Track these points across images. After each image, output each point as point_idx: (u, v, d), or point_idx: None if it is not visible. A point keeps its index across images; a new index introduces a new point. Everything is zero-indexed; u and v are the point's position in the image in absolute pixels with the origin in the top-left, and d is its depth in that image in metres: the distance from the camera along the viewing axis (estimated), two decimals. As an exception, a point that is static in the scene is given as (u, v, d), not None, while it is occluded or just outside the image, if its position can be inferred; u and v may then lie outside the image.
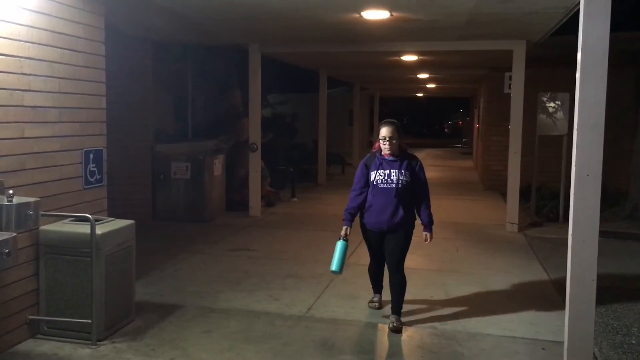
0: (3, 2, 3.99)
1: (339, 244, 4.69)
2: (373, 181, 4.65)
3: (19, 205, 3.69)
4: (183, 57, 10.74)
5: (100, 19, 5.11)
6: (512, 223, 8.91)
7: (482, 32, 7.99)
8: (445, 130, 44.12)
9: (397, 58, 11.26)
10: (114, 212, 5.25)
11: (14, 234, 3.49)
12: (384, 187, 4.62)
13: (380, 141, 4.66)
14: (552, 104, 9.80)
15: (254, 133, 9.91)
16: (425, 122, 46.31)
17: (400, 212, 4.64)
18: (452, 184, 15.00)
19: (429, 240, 4.82)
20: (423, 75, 15.80)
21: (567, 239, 4.13)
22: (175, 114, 11.01)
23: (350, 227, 4.77)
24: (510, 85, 9.06)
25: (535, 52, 9.59)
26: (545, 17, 6.75)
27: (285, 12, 6.83)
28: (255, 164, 9.91)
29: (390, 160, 4.67)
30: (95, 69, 5.05)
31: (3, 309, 4.11)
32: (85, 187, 4.94)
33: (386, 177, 4.62)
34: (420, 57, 11.18)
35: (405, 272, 4.88)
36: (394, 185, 4.61)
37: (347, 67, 14.24)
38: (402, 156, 4.71)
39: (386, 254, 4.80)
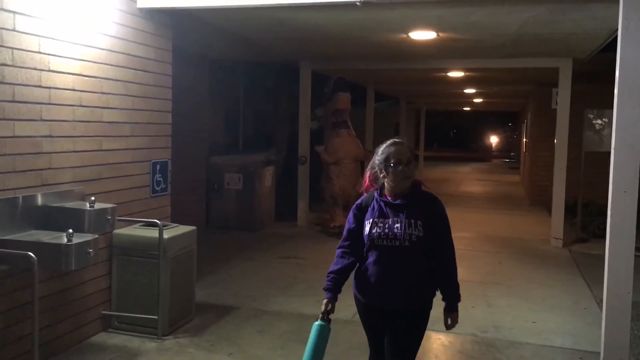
0: (87, 29, 4.49)
1: (315, 328, 3.06)
2: (369, 235, 3.06)
3: (99, 210, 4.16)
4: (234, 72, 11.26)
5: (168, 42, 5.59)
6: (556, 238, 8.98)
7: (528, 50, 8.18)
8: (492, 143, 43.82)
9: (443, 74, 11.50)
10: (171, 219, 5.69)
11: (96, 236, 3.94)
12: (384, 245, 3.03)
13: (390, 169, 3.07)
14: (599, 121, 9.84)
15: (304, 146, 10.31)
16: (473, 136, 46.07)
17: (411, 283, 3.06)
18: (498, 199, 15.04)
19: (450, 325, 3.22)
20: (469, 90, 15.94)
21: (609, 254, 4.32)
22: (225, 126, 11.54)
23: (334, 300, 3.15)
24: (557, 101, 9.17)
25: (583, 68, 9.66)
26: (590, 37, 6.90)
27: (337, 34, 7.22)
28: (303, 177, 10.30)
29: (395, 205, 3.08)
30: (163, 88, 5.53)
31: (80, 304, 4.58)
32: (152, 195, 5.40)
33: (388, 230, 3.02)
34: (467, 74, 11.38)
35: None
36: (398, 243, 2.99)
37: (393, 82, 14.55)
38: (414, 197, 3.10)
39: (388, 345, 3.16)
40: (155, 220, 4.78)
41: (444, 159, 31.61)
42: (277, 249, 8.34)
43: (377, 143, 3.30)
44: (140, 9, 5.10)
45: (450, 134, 48.19)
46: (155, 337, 4.69)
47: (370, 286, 3.11)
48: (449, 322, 3.20)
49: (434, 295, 3.20)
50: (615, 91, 4.18)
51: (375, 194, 3.17)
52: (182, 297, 5.00)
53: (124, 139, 4.99)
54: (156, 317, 4.67)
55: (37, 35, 3.99)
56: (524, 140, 19.51)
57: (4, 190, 3.79)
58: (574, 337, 5.08)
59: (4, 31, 3.72)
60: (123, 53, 4.93)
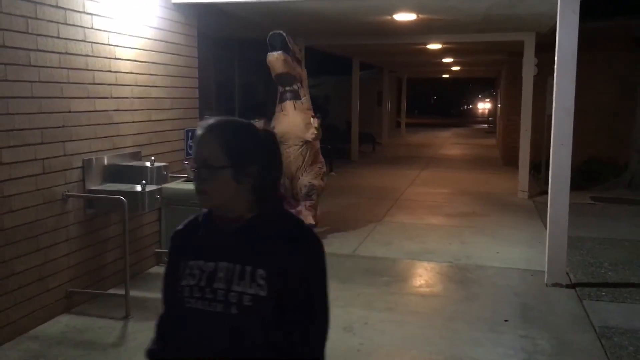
0: (136, 23, 5.58)
1: None
2: (179, 290, 1.67)
3: (158, 167, 5.34)
4: (228, 48, 12.24)
5: (194, 29, 6.69)
6: (522, 191, 10.33)
7: (496, 26, 9.37)
8: (471, 109, 45.22)
9: (423, 46, 12.66)
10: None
11: (160, 186, 5.12)
12: (199, 310, 1.63)
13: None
14: (559, 87, 11.10)
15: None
16: (453, 103, 47.41)
17: None
18: (474, 160, 16.40)
19: None
20: (448, 60, 17.11)
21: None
22: (221, 97, 12.61)
23: None
24: (526, 69, 10.39)
25: (551, 39, 10.81)
26: (546, 17, 8.10)
27: (331, 17, 8.34)
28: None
29: (223, 236, 1.68)
30: (191, 68, 6.64)
31: (140, 242, 5.78)
32: (186, 157, 6.56)
33: (204, 283, 1.64)
34: (444, 45, 12.55)
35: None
36: (220, 308, 1.61)
37: (377, 54, 15.67)
38: (261, 225, 1.68)
39: None
40: (197, 176, 5.96)
41: (424, 125, 32.94)
42: (281, 205, 9.53)
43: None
44: (174, 4, 6.18)
45: (431, 100, 49.47)
46: (199, 268, 5.90)
47: None
48: None
49: None
50: (555, 66, 5.41)
51: (201, 217, 1.76)
52: (217, 237, 6.21)
53: (166, 111, 6.13)
54: (199, 252, 5.88)
55: (107, 31, 5.10)
56: (499, 105, 20.83)
57: (89, 152, 4.94)
58: (528, 261, 6.41)
59: (86, 29, 4.83)
60: (163, 41, 6.03)
